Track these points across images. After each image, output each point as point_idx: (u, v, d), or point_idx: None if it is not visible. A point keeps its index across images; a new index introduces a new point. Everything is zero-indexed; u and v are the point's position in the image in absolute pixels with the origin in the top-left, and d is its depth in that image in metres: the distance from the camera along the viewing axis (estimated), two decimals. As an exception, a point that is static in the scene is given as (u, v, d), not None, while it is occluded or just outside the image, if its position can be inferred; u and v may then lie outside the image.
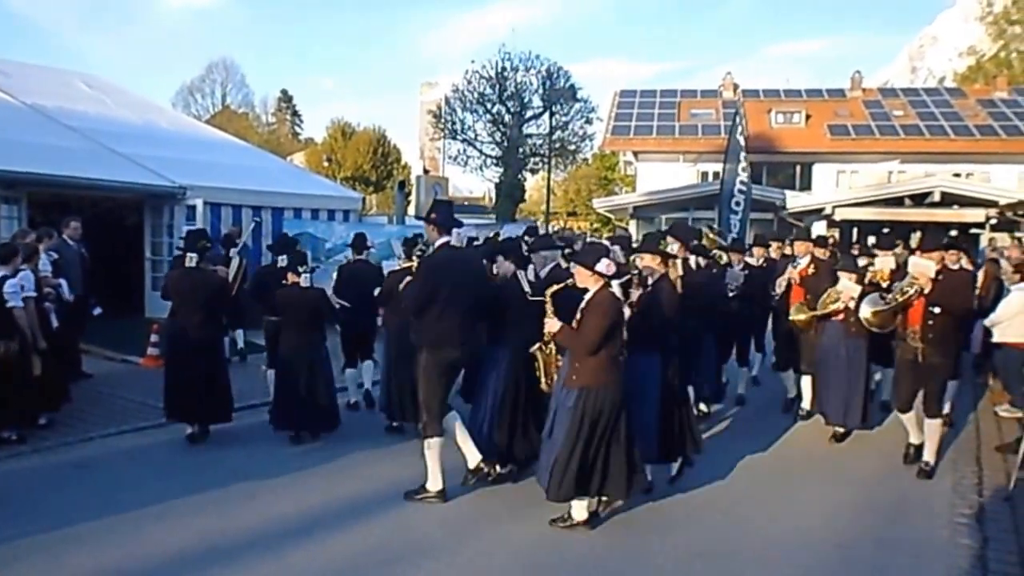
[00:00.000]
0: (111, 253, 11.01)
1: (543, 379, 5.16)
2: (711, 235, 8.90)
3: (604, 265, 4.59)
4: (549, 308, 4.79)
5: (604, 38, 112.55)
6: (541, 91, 31.38)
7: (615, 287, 4.74)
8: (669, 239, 6.63)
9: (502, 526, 4.97)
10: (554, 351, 5.08)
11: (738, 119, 18.65)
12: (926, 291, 6.04)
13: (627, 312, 5.05)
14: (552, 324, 4.74)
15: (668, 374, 5.35)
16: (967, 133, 28.50)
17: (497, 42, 74.77)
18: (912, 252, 8.03)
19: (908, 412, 6.35)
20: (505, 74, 31.29)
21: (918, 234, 10.51)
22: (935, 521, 5.20)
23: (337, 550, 4.59)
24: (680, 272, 5.56)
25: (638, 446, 4.95)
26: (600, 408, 4.60)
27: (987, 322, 7.76)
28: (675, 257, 5.66)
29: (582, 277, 4.71)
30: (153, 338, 9.33)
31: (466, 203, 45.57)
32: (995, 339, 7.63)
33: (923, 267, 6.18)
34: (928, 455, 6.18)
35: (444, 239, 5.31)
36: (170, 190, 11.30)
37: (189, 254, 6.58)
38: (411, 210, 29.36)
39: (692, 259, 6.68)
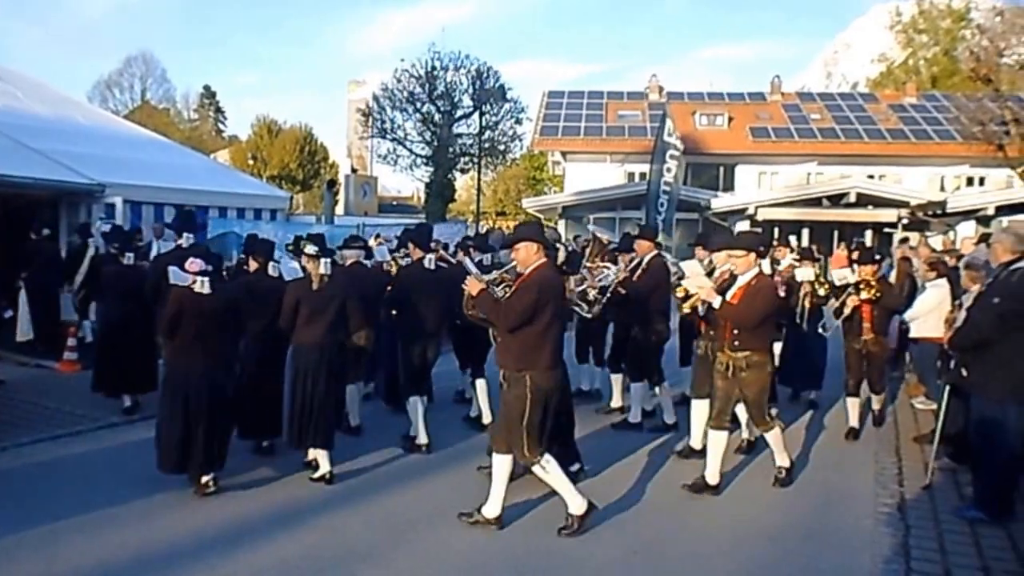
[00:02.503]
0: (22, 253, 10.41)
1: None
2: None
3: (189, 262, 5.36)
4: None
5: (533, 38, 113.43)
6: (471, 91, 31.28)
7: (198, 282, 5.33)
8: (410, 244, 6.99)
9: (438, 529, 4.92)
10: None
11: (666, 121, 19.02)
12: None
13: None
14: None
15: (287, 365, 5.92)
16: (880, 136, 29.81)
17: (426, 41, 74.21)
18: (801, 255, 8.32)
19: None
20: (435, 73, 31.09)
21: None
22: (860, 512, 5.39)
23: (268, 558, 4.46)
24: (323, 271, 5.76)
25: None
26: (181, 386, 5.29)
27: (905, 317, 8.09)
28: (316, 258, 5.76)
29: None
30: (70, 342, 8.89)
31: (395, 203, 45.07)
32: (912, 334, 7.97)
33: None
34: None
35: (179, 240, 6.66)
36: (87, 188, 10.75)
37: (127, 253, 7.28)
38: (339, 209, 28.84)
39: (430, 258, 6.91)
